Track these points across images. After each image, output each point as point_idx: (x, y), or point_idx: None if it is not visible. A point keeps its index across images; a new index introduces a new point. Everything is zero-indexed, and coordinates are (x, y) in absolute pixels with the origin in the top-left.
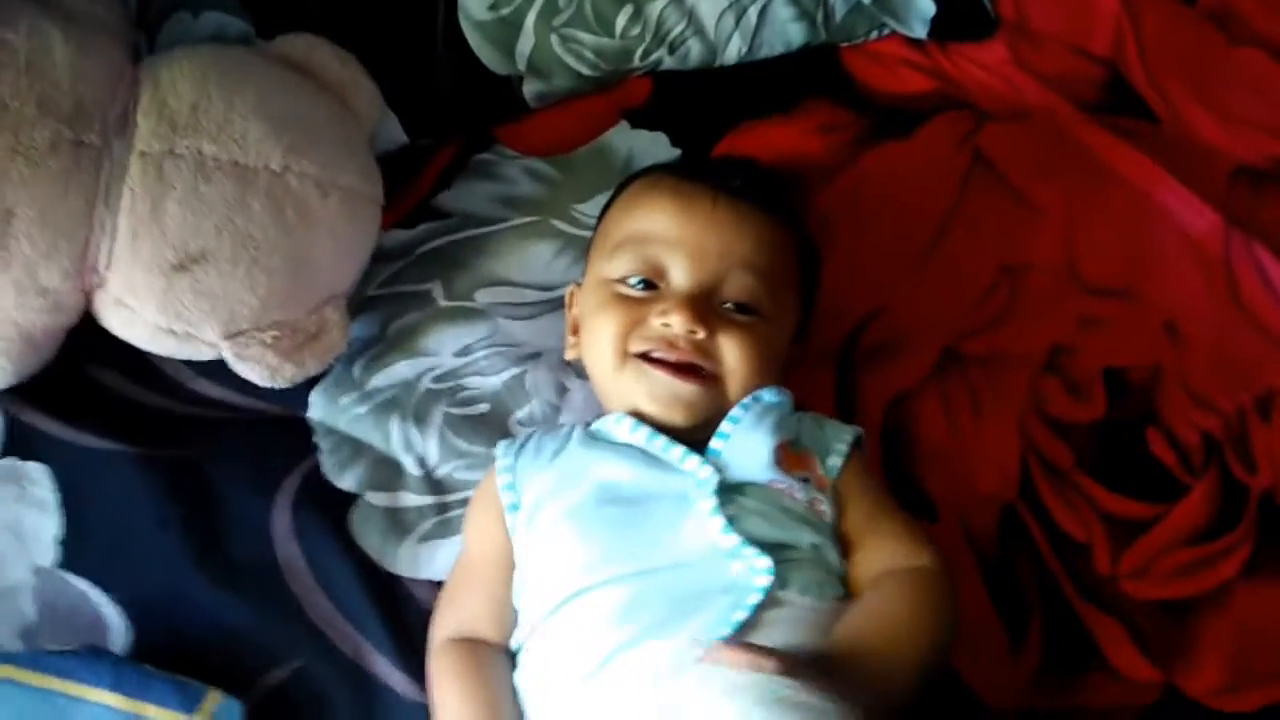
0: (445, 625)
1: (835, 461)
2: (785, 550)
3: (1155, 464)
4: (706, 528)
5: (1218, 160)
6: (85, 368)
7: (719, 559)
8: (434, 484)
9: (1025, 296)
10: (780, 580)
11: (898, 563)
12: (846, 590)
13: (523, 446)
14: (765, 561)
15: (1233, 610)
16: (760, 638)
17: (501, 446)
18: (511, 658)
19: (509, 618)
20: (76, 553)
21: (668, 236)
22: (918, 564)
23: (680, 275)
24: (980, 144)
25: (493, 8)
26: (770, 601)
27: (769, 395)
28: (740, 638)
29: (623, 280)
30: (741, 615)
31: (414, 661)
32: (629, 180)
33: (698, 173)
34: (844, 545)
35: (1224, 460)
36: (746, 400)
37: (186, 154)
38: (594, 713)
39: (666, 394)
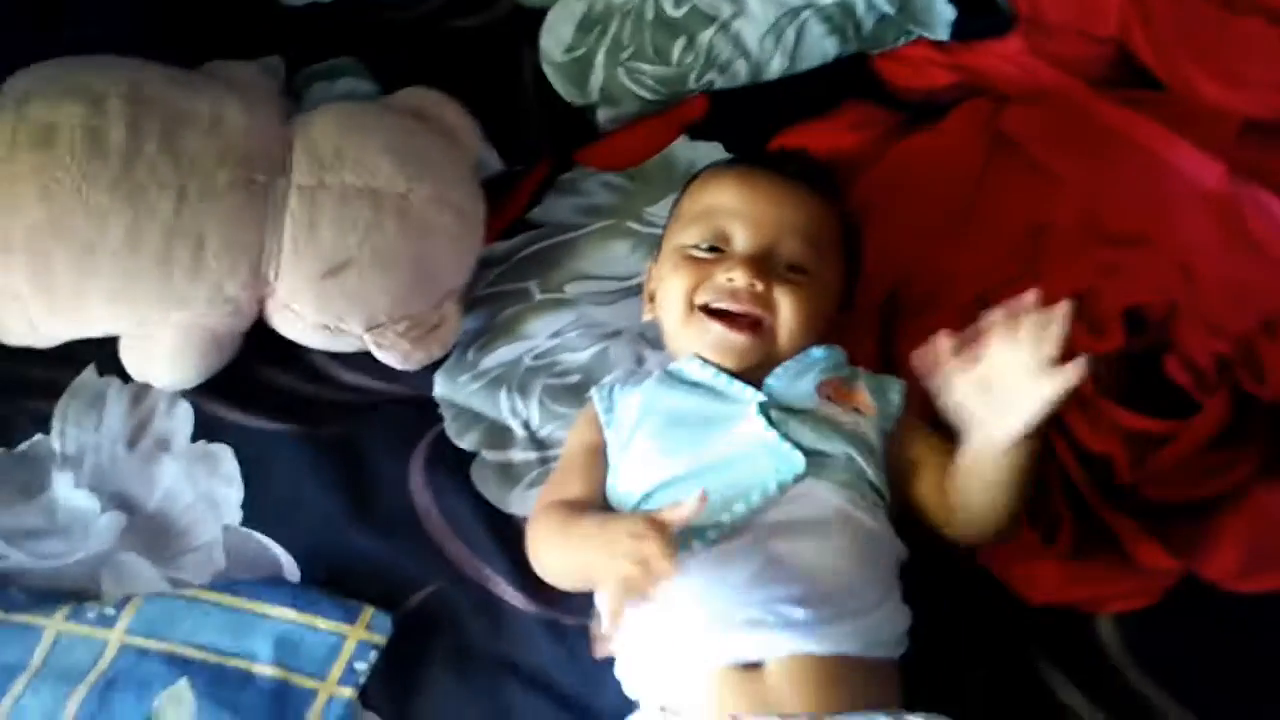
0: (544, 500)
1: (895, 399)
2: (821, 456)
3: (1172, 387)
4: (753, 427)
5: (1224, 119)
6: (254, 367)
7: (763, 452)
8: (537, 442)
9: (1049, 252)
10: (814, 474)
11: None
12: (879, 497)
13: (613, 386)
14: (799, 455)
15: (1248, 508)
16: (781, 514)
17: (594, 389)
18: None
19: (599, 500)
20: (256, 513)
21: (732, 208)
22: None
23: (742, 240)
24: (1001, 124)
25: (568, 50)
26: (798, 490)
27: (818, 351)
28: (766, 512)
29: (694, 246)
30: (773, 492)
31: (528, 581)
32: (699, 173)
33: (758, 159)
34: (907, 468)
35: (1235, 376)
36: (800, 355)
37: (333, 185)
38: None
39: (721, 342)
